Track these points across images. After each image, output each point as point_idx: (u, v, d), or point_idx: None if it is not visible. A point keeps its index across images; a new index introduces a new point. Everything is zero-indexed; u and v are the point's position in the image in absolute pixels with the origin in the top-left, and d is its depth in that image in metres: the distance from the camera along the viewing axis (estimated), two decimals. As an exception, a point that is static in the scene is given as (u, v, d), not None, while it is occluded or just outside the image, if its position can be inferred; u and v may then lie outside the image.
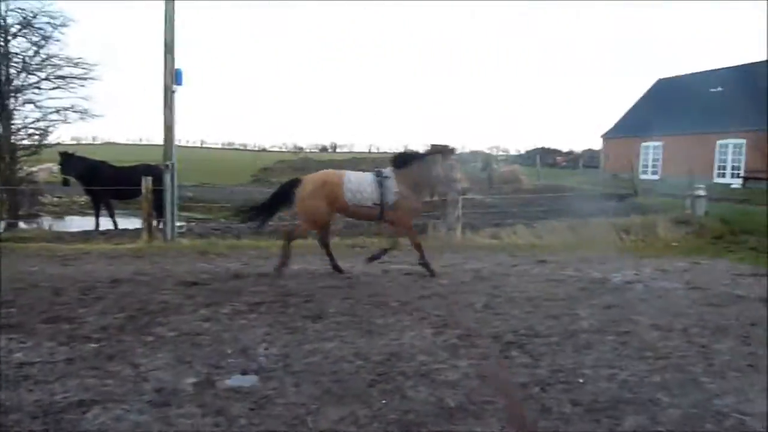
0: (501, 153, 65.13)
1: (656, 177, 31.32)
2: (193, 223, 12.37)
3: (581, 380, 3.68)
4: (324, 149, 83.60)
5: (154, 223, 9.79)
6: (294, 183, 7.03)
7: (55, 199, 18.81)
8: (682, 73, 36.99)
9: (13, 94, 14.20)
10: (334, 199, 6.68)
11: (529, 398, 3.39)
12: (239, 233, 10.41)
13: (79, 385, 3.45)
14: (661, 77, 39.09)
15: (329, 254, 7.13)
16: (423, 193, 7.16)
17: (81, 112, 14.53)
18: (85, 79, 14.64)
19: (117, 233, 10.72)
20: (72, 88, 14.41)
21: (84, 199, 15.01)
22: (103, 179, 11.27)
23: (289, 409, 3.20)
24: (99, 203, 11.72)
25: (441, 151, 6.94)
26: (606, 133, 38.90)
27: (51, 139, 15.54)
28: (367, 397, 3.37)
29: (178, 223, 10.03)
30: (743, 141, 27.59)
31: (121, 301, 5.45)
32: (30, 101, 14.70)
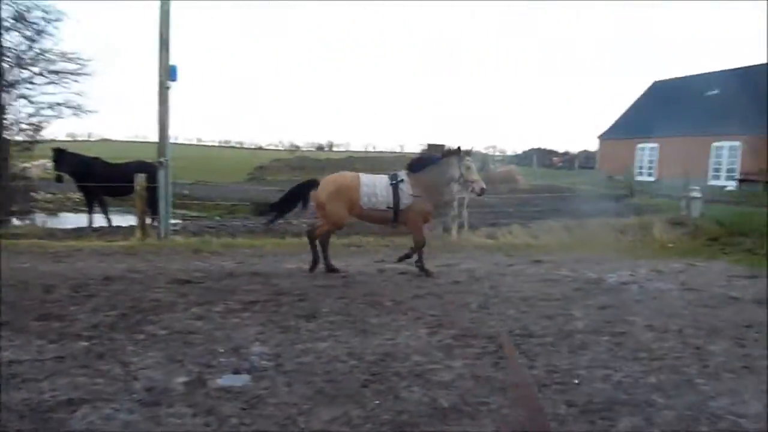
0: (498, 153, 65.17)
1: (652, 178, 31.38)
2: (188, 221, 12.29)
3: (576, 381, 3.66)
4: (320, 148, 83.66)
5: (148, 220, 9.71)
6: (310, 184, 7.05)
7: (49, 195, 18.67)
8: (679, 75, 37.09)
9: (5, 89, 14.06)
10: (351, 203, 6.71)
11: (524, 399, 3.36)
12: (234, 231, 10.35)
13: (68, 384, 3.40)
14: (657, 79, 39.19)
15: (326, 254, 7.08)
16: (438, 196, 7.18)
17: (75, 108, 14.35)
18: (79, 74, 14.47)
19: (110, 230, 10.65)
20: (65, 83, 14.24)
21: (78, 195, 14.90)
22: (97, 176, 11.18)
23: (281, 409, 3.16)
24: (92, 200, 11.62)
25: (457, 153, 6.94)
26: (602, 134, 38.96)
27: (45, 135, 15.40)
28: (360, 398, 3.33)
29: (172, 221, 9.97)
30: (738, 143, 27.66)
31: (113, 299, 5.40)
32: (23, 96, 14.55)
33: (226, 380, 3.55)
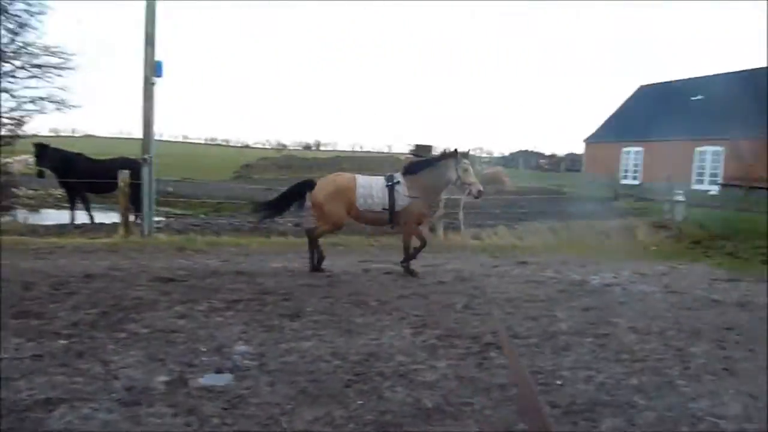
0: (485, 155, 65.46)
1: (637, 182, 31.67)
2: (172, 219, 12.17)
3: (559, 382, 3.67)
4: (308, 147, 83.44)
5: (131, 217, 9.60)
6: (307, 184, 7.03)
7: (31, 191, 18.41)
8: (664, 81, 37.49)
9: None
10: (349, 204, 6.74)
11: (507, 400, 3.36)
12: (219, 229, 10.27)
13: (46, 383, 3.34)
14: (644, 84, 39.57)
15: (312, 254, 7.03)
16: (434, 198, 7.21)
17: (58, 103, 14.13)
18: (62, 68, 14.24)
19: (93, 227, 10.49)
20: (48, 77, 14.02)
21: (60, 192, 14.70)
22: (79, 172, 11.02)
23: (263, 409, 3.13)
24: (74, 196, 11.46)
25: (454, 155, 6.95)
26: (588, 138, 39.25)
27: (28, 130, 15.15)
28: (343, 398, 3.31)
29: (156, 218, 9.87)
30: (721, 148, 28.02)
31: (94, 296, 5.32)
32: (4, 90, 14.30)
33: (208, 380, 3.51)
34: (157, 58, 9.27)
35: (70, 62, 14.12)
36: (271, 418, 3.03)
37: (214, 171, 33.15)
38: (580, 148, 41.97)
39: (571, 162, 46.66)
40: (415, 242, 7.05)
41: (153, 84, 9.24)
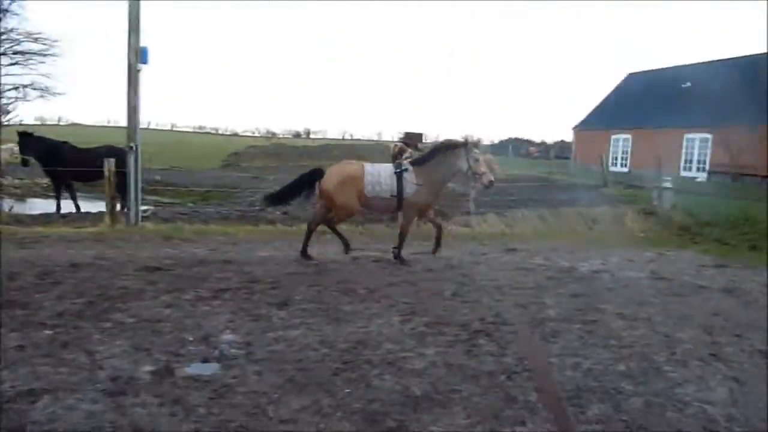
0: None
1: (625, 169, 31.82)
2: (159, 207, 12.05)
3: (547, 369, 3.67)
4: (297, 135, 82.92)
5: (118, 206, 9.49)
6: (316, 173, 6.99)
7: (17, 180, 18.18)
8: (653, 68, 37.56)
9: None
10: (358, 192, 6.74)
11: (495, 387, 3.36)
12: (207, 218, 10.18)
13: (29, 374, 3.30)
14: (632, 71, 39.64)
15: (308, 239, 7.04)
16: (441, 187, 7.24)
17: (42, 90, 13.94)
18: (45, 55, 14.04)
19: (79, 216, 10.36)
20: (32, 64, 13.80)
21: (46, 181, 14.52)
22: (64, 160, 10.88)
23: (250, 398, 3.11)
24: (60, 185, 11.32)
25: (464, 145, 6.96)
26: (577, 125, 39.33)
27: (13, 118, 14.94)
28: (331, 386, 3.30)
29: (142, 207, 9.77)
30: (709, 136, 28.18)
31: (80, 286, 5.26)
32: (-14, 77, 14.07)
33: (195, 369, 3.48)
34: (142, 44, 9.12)
35: (53, 49, 13.88)
36: (257, 407, 3.02)
37: (203, 159, 32.89)
38: (569, 136, 42.08)
39: (561, 149, 46.77)
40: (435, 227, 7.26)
41: (138, 71, 9.09)
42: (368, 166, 6.93)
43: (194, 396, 3.10)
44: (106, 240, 7.88)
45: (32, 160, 11.45)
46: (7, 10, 13.46)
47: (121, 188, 9.34)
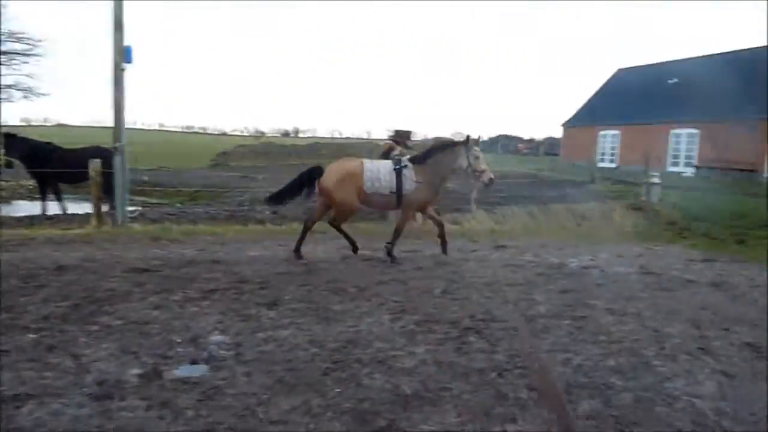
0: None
1: (614, 165, 32.01)
2: (147, 208, 11.96)
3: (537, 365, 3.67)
4: (286, 134, 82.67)
5: (105, 207, 9.40)
6: (315, 171, 6.97)
7: (2, 182, 17.96)
8: (641, 64, 37.79)
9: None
10: (357, 189, 6.74)
11: (485, 384, 3.35)
12: (195, 218, 10.11)
13: (14, 378, 3.25)
14: (621, 67, 39.85)
15: (303, 237, 7.05)
16: (441, 184, 7.21)
17: (25, 90, 13.77)
18: (28, 55, 13.86)
19: (65, 218, 10.26)
20: (15, 64, 13.62)
21: (32, 182, 14.36)
22: (50, 162, 10.75)
23: (240, 400, 3.08)
24: (45, 187, 11.19)
25: (465, 142, 6.95)
26: (566, 122, 39.50)
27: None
28: (321, 386, 3.28)
29: (130, 208, 9.68)
30: (696, 131, 28.41)
31: (66, 288, 5.19)
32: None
33: (183, 371, 3.45)
34: (127, 43, 9.03)
35: (37, 48, 13.71)
36: (247, 408, 2.99)
37: (191, 159, 32.70)
38: (559, 132, 42.25)
39: (550, 146, 46.98)
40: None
41: (123, 70, 9.00)
42: (368, 163, 6.93)
43: (182, 398, 3.07)
44: (92, 242, 7.80)
45: (16, 161, 11.30)
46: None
47: (107, 189, 9.25)
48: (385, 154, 8.97)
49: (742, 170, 24.13)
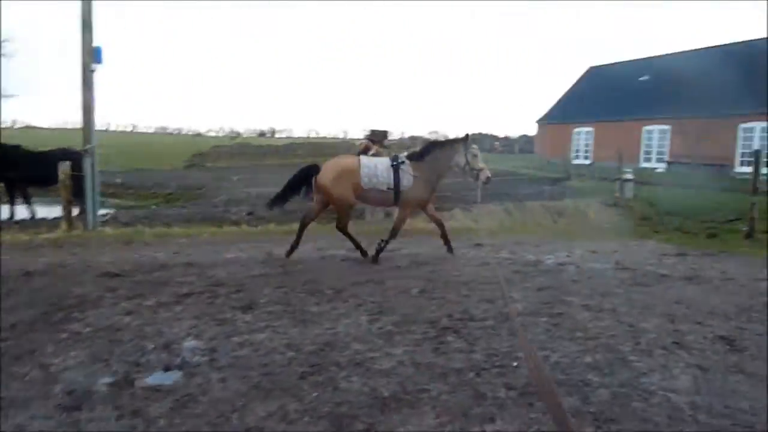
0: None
1: (588, 161, 32.42)
2: (120, 211, 11.73)
3: (515, 364, 3.67)
4: (262, 134, 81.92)
5: (75, 211, 9.19)
6: (312, 169, 6.93)
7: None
8: (613, 62, 38.34)
9: None
10: (354, 185, 6.72)
11: (463, 385, 3.33)
12: (169, 220, 9.94)
13: (-22, 390, 3.13)
14: (593, 65, 40.39)
15: (299, 236, 7.02)
16: (438, 182, 7.20)
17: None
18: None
19: (34, 223, 10.04)
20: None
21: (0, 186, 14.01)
22: (17, 164, 10.49)
23: (214, 407, 3.01)
24: (14, 190, 10.93)
25: (464, 140, 6.98)
26: (540, 119, 39.90)
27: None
28: (297, 391, 3.22)
29: (101, 211, 9.48)
30: (668, 127, 28.92)
31: (34, 295, 5.05)
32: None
33: (155, 379, 3.36)
34: (97, 43, 8.84)
35: (3, 49, 13.33)
36: (221, 415, 2.92)
37: (166, 160, 32.23)
38: (533, 130, 42.65)
39: (525, 143, 47.38)
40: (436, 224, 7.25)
41: (92, 71, 8.82)
42: (364, 159, 6.96)
43: (154, 407, 2.99)
44: (62, 246, 7.62)
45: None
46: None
47: (77, 192, 9.05)
48: (362, 154, 8.93)
49: (713, 165, 24.62)
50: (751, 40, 28.39)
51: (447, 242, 7.32)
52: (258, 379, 3.36)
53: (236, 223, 9.88)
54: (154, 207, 14.05)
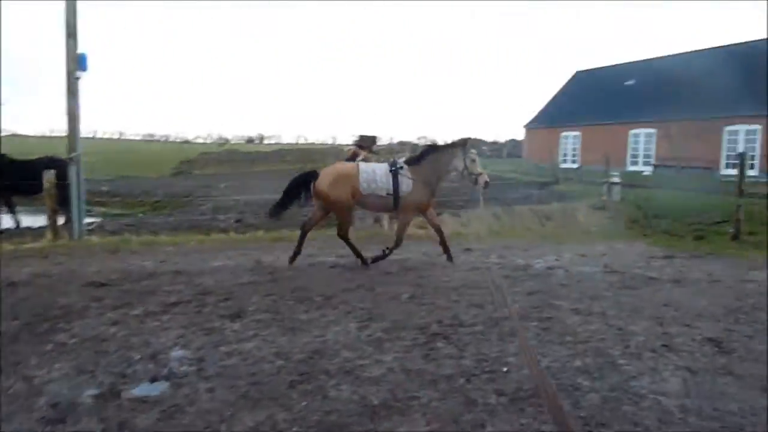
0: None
1: (575, 165, 32.62)
2: (106, 220, 11.62)
3: (505, 369, 3.66)
4: (250, 140, 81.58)
5: (61, 220, 9.08)
6: (310, 175, 6.90)
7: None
8: (599, 66, 38.67)
9: None
10: (353, 190, 6.71)
11: (454, 391, 3.32)
12: (156, 229, 9.86)
13: (-41, 405, 3.07)
14: (579, 69, 40.70)
15: (301, 242, 7.00)
16: (435, 185, 7.18)
17: (-24, 101, 13.24)
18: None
19: (19, 232, 9.91)
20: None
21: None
22: (1, 173, 10.36)
23: (202, 417, 2.97)
24: (-2, 200, 10.79)
25: (462, 145, 7.00)
26: (528, 123, 40.10)
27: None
28: (286, 400, 3.19)
29: (87, 220, 9.38)
30: (654, 130, 29.19)
31: (18, 306, 4.98)
32: None
33: (142, 390, 3.31)
34: (81, 50, 8.77)
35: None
36: (209, 426, 2.89)
37: (153, 168, 32.02)
38: (521, 134, 42.84)
39: (513, 148, 47.54)
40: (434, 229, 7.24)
41: (77, 78, 8.74)
42: (363, 165, 6.99)
43: (141, 419, 2.95)
44: (47, 256, 7.52)
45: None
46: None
47: (62, 201, 8.95)
48: (350, 160, 8.92)
49: (698, 167, 24.86)
50: (738, 44, 28.74)
51: (446, 250, 7.27)
52: (246, 389, 3.32)
53: (224, 230, 9.82)
54: (140, 215, 13.93)
